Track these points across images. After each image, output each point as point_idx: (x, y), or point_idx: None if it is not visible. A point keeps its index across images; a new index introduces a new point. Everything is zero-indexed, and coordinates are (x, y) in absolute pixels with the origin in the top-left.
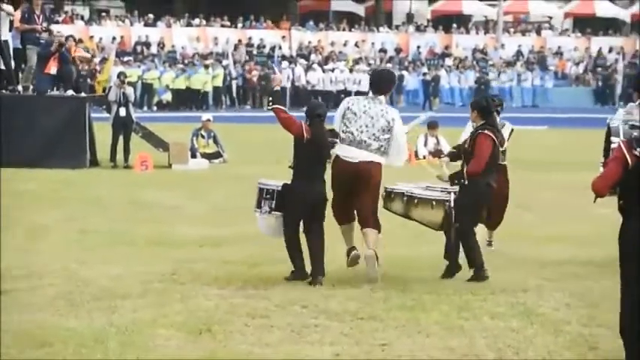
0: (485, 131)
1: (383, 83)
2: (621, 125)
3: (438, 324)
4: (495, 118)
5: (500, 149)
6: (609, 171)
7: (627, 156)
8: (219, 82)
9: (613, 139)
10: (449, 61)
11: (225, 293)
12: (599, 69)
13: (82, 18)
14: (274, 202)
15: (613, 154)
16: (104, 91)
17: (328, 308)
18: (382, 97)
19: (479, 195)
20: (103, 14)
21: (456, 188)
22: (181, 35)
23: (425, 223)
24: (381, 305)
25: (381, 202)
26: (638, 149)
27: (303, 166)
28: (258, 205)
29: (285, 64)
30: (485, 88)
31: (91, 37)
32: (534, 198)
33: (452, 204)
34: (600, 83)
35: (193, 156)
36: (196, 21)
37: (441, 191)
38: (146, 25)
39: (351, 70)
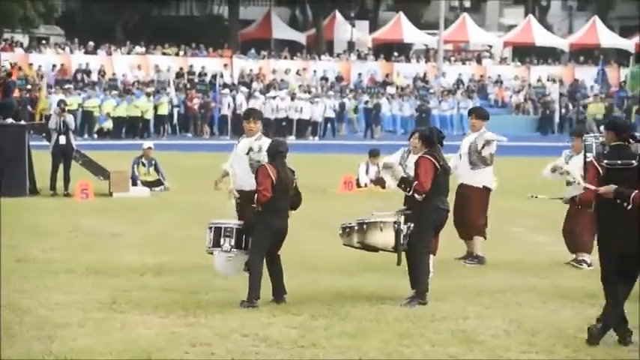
0: (426, 155)
1: None
2: (594, 142)
3: (378, 351)
4: (439, 149)
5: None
6: (591, 182)
7: (598, 167)
8: (164, 111)
9: (588, 154)
10: (390, 89)
11: (166, 322)
12: (539, 98)
13: (22, 45)
14: (234, 239)
15: (589, 168)
16: (41, 118)
17: (269, 336)
18: None
19: (428, 217)
20: (43, 42)
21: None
22: (122, 63)
23: (381, 247)
24: (322, 333)
25: (341, 240)
26: (604, 161)
27: (272, 201)
28: (217, 244)
29: (226, 91)
30: (426, 116)
31: (31, 64)
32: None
33: (401, 225)
34: (540, 112)
35: (134, 184)
36: (137, 49)
37: (390, 214)
38: (86, 52)
39: (292, 98)
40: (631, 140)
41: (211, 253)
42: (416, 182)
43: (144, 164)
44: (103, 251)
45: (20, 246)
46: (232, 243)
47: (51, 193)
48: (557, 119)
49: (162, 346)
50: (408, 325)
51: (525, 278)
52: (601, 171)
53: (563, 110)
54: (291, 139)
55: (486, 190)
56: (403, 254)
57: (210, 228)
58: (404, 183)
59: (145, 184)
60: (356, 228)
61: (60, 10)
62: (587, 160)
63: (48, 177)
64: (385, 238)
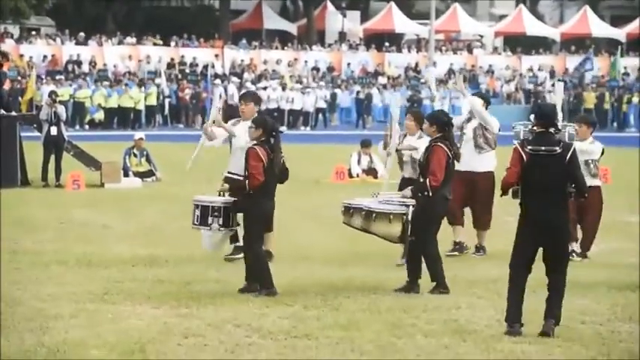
0: (439, 143)
1: None
2: (522, 129)
3: (371, 342)
4: (452, 132)
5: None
6: (512, 166)
7: (522, 153)
8: (152, 101)
9: (514, 141)
10: (381, 80)
11: (158, 313)
12: (530, 87)
13: (12, 36)
14: (222, 218)
15: (512, 154)
16: (30, 110)
17: (262, 327)
18: None
19: (435, 208)
20: (34, 33)
21: (413, 201)
22: (113, 54)
23: (384, 236)
24: (314, 324)
25: (341, 219)
26: (528, 147)
27: (264, 184)
28: (204, 222)
29: (218, 82)
30: (417, 107)
31: (21, 55)
32: None
33: (409, 217)
34: (531, 101)
35: (126, 175)
36: (128, 39)
37: (399, 204)
38: (77, 43)
39: (284, 89)
40: (553, 129)
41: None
42: (429, 177)
43: (135, 155)
44: (95, 242)
45: (11, 238)
46: (220, 222)
47: (42, 184)
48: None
49: (155, 337)
50: (401, 315)
51: None
52: (524, 157)
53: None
54: (282, 130)
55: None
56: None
57: (197, 205)
58: (417, 191)
59: (137, 174)
60: (363, 213)
61: (51, 1)
62: (513, 146)
63: (39, 168)
64: (392, 229)
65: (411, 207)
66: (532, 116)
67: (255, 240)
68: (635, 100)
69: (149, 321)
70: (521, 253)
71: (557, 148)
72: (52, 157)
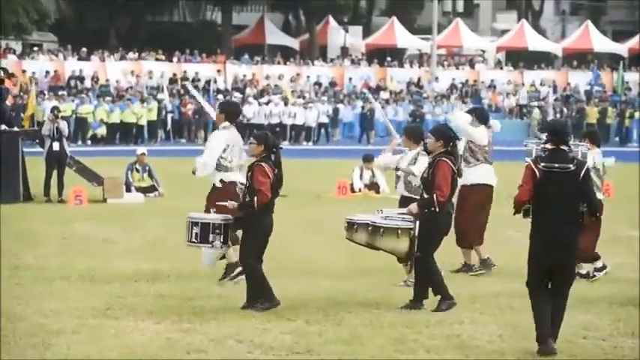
0: (444, 158)
1: None
2: (534, 147)
3: (373, 358)
4: (457, 148)
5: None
6: (524, 184)
7: (535, 170)
8: (153, 116)
9: (526, 158)
10: (384, 95)
11: (160, 328)
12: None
13: (15, 52)
14: (222, 236)
15: (525, 171)
16: (32, 125)
17: (264, 342)
18: None
19: (441, 224)
20: (36, 48)
21: (411, 217)
22: (115, 69)
23: (391, 251)
24: (316, 339)
25: (344, 234)
26: (541, 164)
27: (271, 200)
28: (205, 240)
29: (220, 97)
30: (420, 122)
31: (24, 71)
32: None
33: (416, 232)
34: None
35: (128, 190)
36: (130, 55)
37: (402, 220)
38: (80, 59)
39: (286, 104)
40: (566, 146)
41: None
42: (436, 193)
43: (138, 170)
44: (97, 257)
45: (14, 253)
46: (222, 239)
47: (45, 199)
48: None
49: (157, 353)
50: (403, 330)
51: (520, 283)
52: (538, 174)
53: (558, 115)
54: (285, 145)
55: (483, 187)
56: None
57: (196, 223)
58: (423, 204)
59: (139, 190)
60: (370, 229)
61: (53, 17)
62: (525, 163)
63: (42, 183)
64: (399, 244)
65: (417, 223)
66: (544, 134)
67: (251, 255)
68: (637, 114)
69: (151, 336)
70: (536, 271)
71: (571, 165)
72: (55, 173)
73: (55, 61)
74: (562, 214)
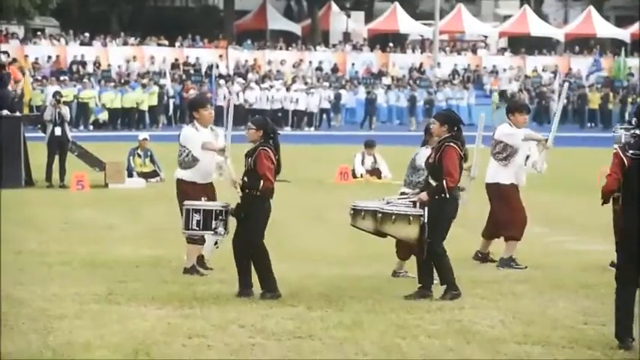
0: (451, 143)
1: None
2: (623, 133)
3: (375, 343)
4: (462, 132)
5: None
6: (612, 172)
7: (624, 158)
8: (154, 101)
9: (615, 145)
10: (386, 80)
11: (162, 313)
12: (535, 87)
13: (17, 37)
14: (224, 222)
15: (613, 159)
16: (32, 110)
17: (266, 327)
18: None
19: (450, 211)
20: (38, 33)
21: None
22: (117, 54)
23: (402, 238)
24: (318, 324)
25: (346, 219)
26: (630, 151)
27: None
28: (208, 227)
29: (222, 82)
30: (429, 108)
31: (26, 56)
32: (467, 215)
33: (426, 218)
34: (535, 102)
35: (130, 175)
36: (132, 40)
37: (406, 206)
38: (82, 44)
39: (288, 89)
40: None
41: (193, 235)
42: (446, 179)
43: (139, 155)
44: (99, 243)
45: (16, 238)
46: (224, 226)
47: (46, 184)
48: (553, 109)
49: (159, 338)
50: (405, 316)
51: (522, 270)
52: (626, 162)
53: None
54: (286, 130)
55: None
56: None
57: (197, 210)
58: (433, 191)
59: (141, 175)
60: (380, 216)
61: (55, 2)
62: (614, 150)
63: (44, 168)
64: (411, 231)
65: (426, 209)
66: (634, 119)
67: (260, 237)
68: None
69: (153, 322)
70: (626, 265)
71: None
72: (57, 158)
73: (57, 46)
74: None
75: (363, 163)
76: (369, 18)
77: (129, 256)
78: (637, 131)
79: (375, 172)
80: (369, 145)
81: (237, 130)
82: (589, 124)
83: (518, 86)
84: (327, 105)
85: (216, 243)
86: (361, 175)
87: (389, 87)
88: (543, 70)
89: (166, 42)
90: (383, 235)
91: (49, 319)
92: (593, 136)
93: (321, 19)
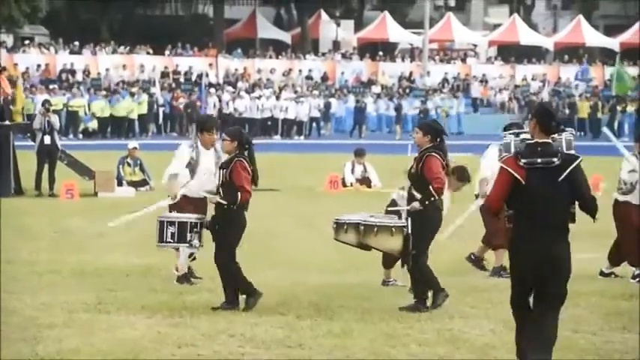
0: (433, 153)
1: None
2: (512, 139)
3: (365, 351)
4: (445, 142)
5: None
6: (497, 190)
7: (514, 173)
8: (143, 110)
9: (503, 155)
10: (375, 89)
11: (152, 322)
12: (524, 96)
13: (6, 45)
14: (199, 234)
15: (499, 174)
16: (24, 119)
17: (255, 336)
18: None
19: (434, 221)
20: (27, 42)
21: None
22: (107, 62)
23: (385, 250)
24: (308, 333)
25: (332, 234)
26: (523, 161)
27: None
28: (183, 239)
29: (212, 91)
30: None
31: (16, 64)
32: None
33: (409, 230)
34: (525, 110)
35: (120, 184)
36: (122, 48)
37: (390, 217)
38: (71, 52)
39: (277, 98)
40: (554, 135)
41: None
42: (432, 182)
43: (129, 164)
44: (89, 252)
45: (5, 247)
46: (199, 238)
47: (36, 193)
48: None
49: (149, 347)
50: (395, 324)
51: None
52: (518, 175)
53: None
54: (276, 139)
55: None
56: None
57: (172, 223)
58: (423, 198)
59: (131, 184)
60: (362, 228)
61: (45, 10)
62: (499, 162)
63: (33, 177)
64: (394, 242)
65: (409, 220)
66: (527, 122)
67: (227, 254)
68: (630, 109)
69: (143, 330)
70: (520, 291)
71: (555, 159)
72: (46, 166)
73: (46, 54)
74: (548, 220)
75: (352, 171)
76: (358, 27)
77: (118, 265)
78: (527, 135)
79: (365, 180)
80: (359, 153)
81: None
82: (578, 133)
83: (507, 95)
84: (316, 114)
85: (191, 255)
86: (351, 184)
87: (378, 95)
88: (532, 79)
89: (155, 50)
90: (367, 247)
91: (39, 328)
92: (582, 144)
93: (310, 28)
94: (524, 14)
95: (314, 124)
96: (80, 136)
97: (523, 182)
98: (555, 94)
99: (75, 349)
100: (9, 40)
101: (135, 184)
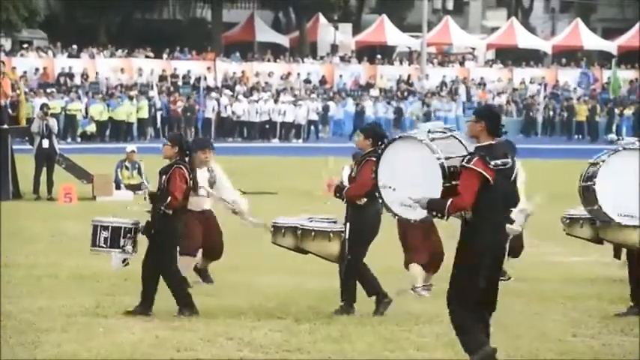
0: (373, 157)
1: None
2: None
3: (363, 355)
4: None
5: None
6: (470, 189)
7: (484, 172)
8: (144, 114)
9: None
10: (374, 92)
11: (150, 326)
12: (522, 99)
13: (4, 49)
14: (133, 240)
15: (469, 174)
16: (27, 123)
17: (254, 340)
18: None
19: (369, 226)
20: (26, 45)
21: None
22: (105, 66)
23: (322, 255)
24: (306, 337)
25: (269, 237)
26: (492, 162)
27: (183, 205)
28: (116, 244)
29: (211, 94)
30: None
31: (14, 68)
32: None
33: (347, 235)
34: (523, 114)
35: (118, 187)
36: (120, 52)
37: (328, 222)
38: (69, 56)
39: (276, 101)
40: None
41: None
42: (351, 187)
43: (127, 168)
44: (87, 256)
45: (3, 250)
46: (132, 244)
47: (34, 196)
48: (540, 120)
49: (147, 351)
50: (393, 328)
51: (507, 281)
52: (488, 175)
53: (551, 113)
54: (274, 142)
55: None
56: None
57: (106, 227)
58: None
59: (129, 187)
60: (299, 232)
61: (43, 14)
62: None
63: (31, 181)
64: (331, 248)
65: (347, 225)
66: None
67: (173, 261)
68: (628, 112)
69: (141, 334)
70: (483, 290)
71: (508, 160)
72: (44, 170)
73: (44, 58)
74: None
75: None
76: (356, 30)
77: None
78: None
79: None
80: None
81: (225, 142)
82: (576, 136)
83: (506, 98)
84: (315, 117)
85: (124, 261)
86: None
87: (377, 99)
88: (530, 82)
89: (153, 54)
90: (305, 252)
91: (37, 333)
92: (580, 148)
93: (309, 31)
94: (523, 17)
95: (312, 128)
96: (78, 139)
97: (491, 183)
98: (553, 97)
99: (73, 353)
100: (7, 43)
101: (133, 188)
